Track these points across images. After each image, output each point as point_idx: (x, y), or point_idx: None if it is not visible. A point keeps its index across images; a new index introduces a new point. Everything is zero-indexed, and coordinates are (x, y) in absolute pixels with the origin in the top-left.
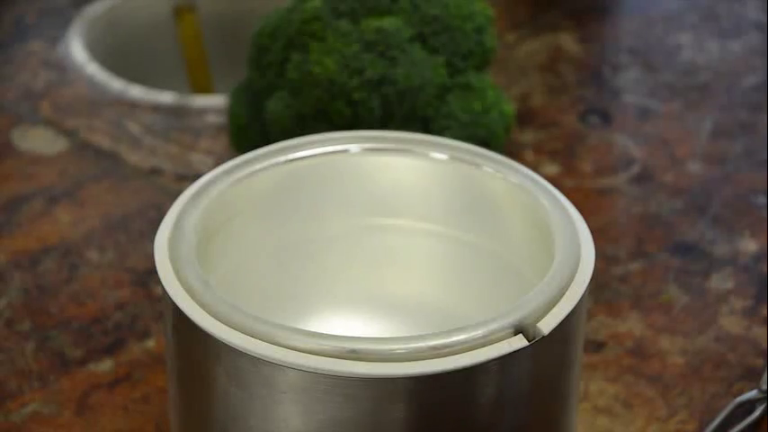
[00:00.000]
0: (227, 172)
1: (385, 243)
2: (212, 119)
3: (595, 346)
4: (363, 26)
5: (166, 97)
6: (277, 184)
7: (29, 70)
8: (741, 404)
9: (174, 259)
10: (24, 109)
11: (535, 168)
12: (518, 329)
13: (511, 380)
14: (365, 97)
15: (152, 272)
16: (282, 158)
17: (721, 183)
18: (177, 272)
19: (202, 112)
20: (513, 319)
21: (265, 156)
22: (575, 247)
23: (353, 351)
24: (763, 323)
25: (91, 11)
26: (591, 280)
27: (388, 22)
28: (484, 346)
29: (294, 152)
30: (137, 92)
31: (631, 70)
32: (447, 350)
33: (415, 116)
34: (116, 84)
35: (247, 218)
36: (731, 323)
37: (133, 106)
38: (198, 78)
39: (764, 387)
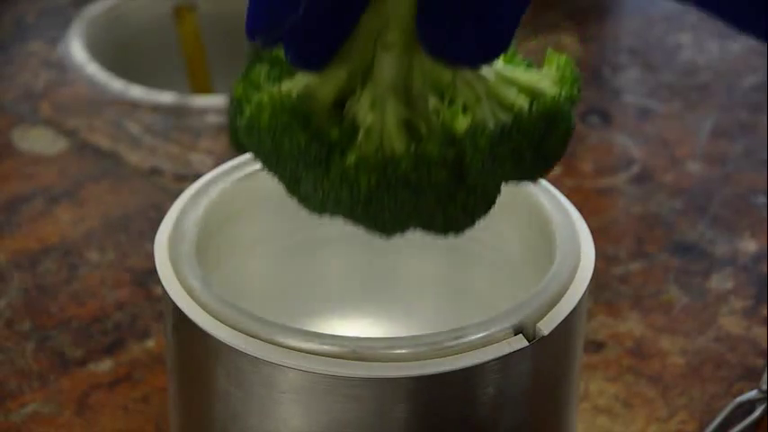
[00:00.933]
0: (227, 172)
1: (384, 243)
2: (212, 119)
3: (595, 346)
4: None
5: (166, 97)
6: (277, 184)
7: (29, 70)
8: (741, 404)
9: (174, 259)
10: (24, 109)
11: None
12: (518, 329)
13: (511, 380)
14: None
15: (152, 272)
16: None
17: (721, 183)
18: (177, 272)
19: (202, 112)
20: (513, 319)
21: None
22: (575, 247)
23: (354, 351)
24: (763, 323)
25: (91, 11)
26: (591, 280)
27: None
28: (484, 346)
29: None
30: (137, 92)
31: (631, 70)
32: (447, 350)
33: None
34: (116, 84)
35: (247, 218)
36: (731, 323)
37: (133, 106)
38: (198, 78)
39: (764, 387)
